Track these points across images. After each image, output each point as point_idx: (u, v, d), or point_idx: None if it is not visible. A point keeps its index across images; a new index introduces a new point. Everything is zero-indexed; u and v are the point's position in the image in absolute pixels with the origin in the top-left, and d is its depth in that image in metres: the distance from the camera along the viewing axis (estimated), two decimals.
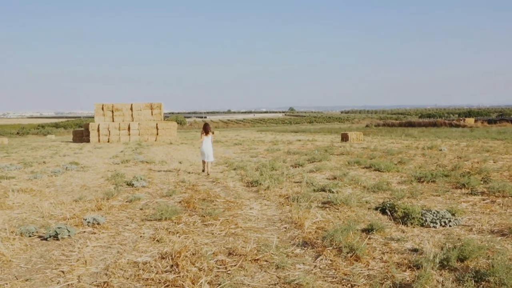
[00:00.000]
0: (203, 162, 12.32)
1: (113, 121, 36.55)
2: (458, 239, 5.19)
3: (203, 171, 12.40)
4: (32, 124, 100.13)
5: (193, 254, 4.80)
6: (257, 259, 4.63)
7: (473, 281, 3.80)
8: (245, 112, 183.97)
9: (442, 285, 3.84)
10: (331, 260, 4.54)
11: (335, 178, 10.39)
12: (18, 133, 78.13)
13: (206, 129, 12.38)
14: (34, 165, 15.18)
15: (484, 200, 7.53)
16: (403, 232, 5.60)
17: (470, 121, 58.02)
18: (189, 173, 12.33)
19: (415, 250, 4.80)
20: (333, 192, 8.26)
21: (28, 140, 51.14)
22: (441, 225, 5.79)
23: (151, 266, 4.48)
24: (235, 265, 4.47)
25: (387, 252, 4.77)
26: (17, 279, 4.26)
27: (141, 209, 7.43)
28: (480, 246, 4.52)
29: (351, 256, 4.58)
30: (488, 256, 4.47)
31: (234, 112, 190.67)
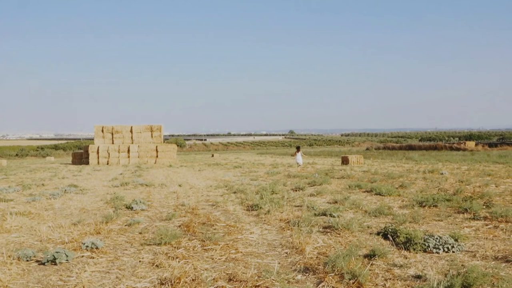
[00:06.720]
0: (298, 165, 22.75)
1: (112, 143, 36.62)
2: (462, 265, 5.11)
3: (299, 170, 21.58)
4: (32, 145, 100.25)
5: (192, 280, 4.71)
6: (258, 285, 4.55)
7: None
8: (245, 135, 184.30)
9: None
10: (333, 287, 4.46)
11: (336, 202, 10.32)
12: (17, 154, 78.15)
13: (298, 149, 22.87)
14: (32, 188, 15.10)
15: (487, 225, 7.45)
16: (406, 258, 5.52)
17: (470, 144, 58.07)
18: (188, 196, 12.25)
19: (418, 277, 4.72)
20: (334, 217, 8.19)
21: (27, 162, 51.08)
22: (444, 250, 5.72)
23: None
24: None
25: (390, 279, 4.69)
26: None
27: (140, 233, 7.34)
28: (484, 272, 4.45)
29: (353, 283, 4.51)
30: (493, 283, 4.39)
31: (234, 135, 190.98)
